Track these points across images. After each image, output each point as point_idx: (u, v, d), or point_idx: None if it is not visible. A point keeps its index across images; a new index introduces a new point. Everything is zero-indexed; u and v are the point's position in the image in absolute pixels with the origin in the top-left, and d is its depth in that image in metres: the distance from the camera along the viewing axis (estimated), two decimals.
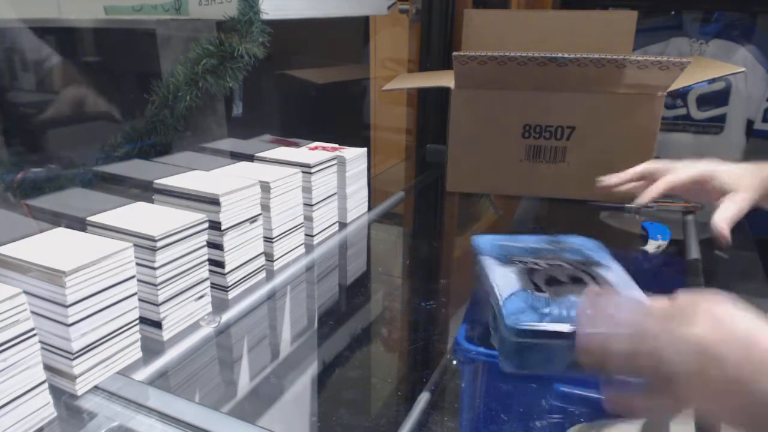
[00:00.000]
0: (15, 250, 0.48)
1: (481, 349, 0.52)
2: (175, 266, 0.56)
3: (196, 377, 0.55)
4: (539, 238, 0.62)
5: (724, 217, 0.60)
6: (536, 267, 0.55)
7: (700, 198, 0.66)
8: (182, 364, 0.55)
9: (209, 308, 0.63)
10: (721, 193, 0.63)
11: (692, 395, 0.36)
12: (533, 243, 0.61)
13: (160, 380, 0.52)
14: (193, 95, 0.77)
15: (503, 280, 0.53)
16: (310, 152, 0.83)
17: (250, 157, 0.81)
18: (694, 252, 0.79)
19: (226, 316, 0.62)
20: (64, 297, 0.45)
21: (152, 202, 0.65)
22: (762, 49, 1.36)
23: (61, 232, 0.53)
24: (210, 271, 0.62)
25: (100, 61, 0.83)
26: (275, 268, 0.73)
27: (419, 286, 0.79)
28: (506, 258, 0.57)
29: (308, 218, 0.79)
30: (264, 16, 0.79)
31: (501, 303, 0.49)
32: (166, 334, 0.57)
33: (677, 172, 0.66)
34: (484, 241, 0.61)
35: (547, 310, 0.48)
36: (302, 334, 0.65)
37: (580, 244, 0.61)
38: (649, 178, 0.68)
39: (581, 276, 0.53)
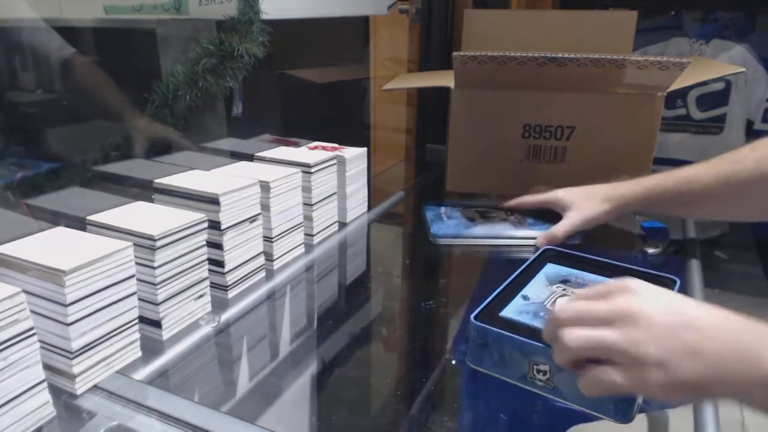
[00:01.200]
0: (14, 249, 0.48)
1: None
2: (174, 265, 0.56)
3: (195, 376, 0.55)
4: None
5: (547, 233, 0.78)
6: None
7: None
8: (182, 363, 0.55)
9: (209, 307, 0.63)
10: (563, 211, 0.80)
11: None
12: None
13: (159, 379, 0.52)
14: (193, 95, 0.77)
15: None
16: (309, 152, 0.83)
17: (250, 157, 0.81)
18: (693, 252, 0.79)
19: (226, 316, 0.62)
20: (64, 296, 0.45)
21: (152, 202, 0.65)
22: (761, 49, 1.36)
23: (60, 231, 0.53)
24: (210, 270, 0.62)
25: (100, 60, 0.83)
26: (275, 267, 0.73)
27: (419, 286, 0.79)
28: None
29: (308, 218, 0.79)
30: (264, 16, 0.79)
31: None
32: (166, 334, 0.57)
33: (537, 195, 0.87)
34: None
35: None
36: (302, 334, 0.65)
37: None
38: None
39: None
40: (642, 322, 0.38)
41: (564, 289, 0.57)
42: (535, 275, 0.60)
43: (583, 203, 0.78)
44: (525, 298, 0.54)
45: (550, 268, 0.62)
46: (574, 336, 0.40)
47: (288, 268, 0.74)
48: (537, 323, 0.49)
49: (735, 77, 1.34)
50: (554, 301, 0.54)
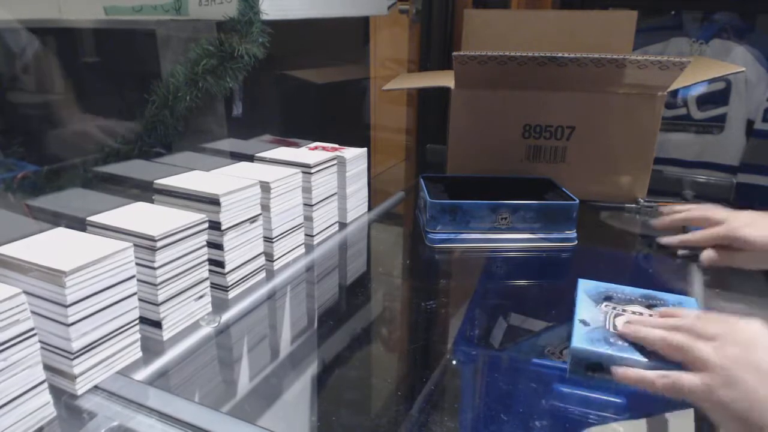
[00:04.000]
0: (15, 250, 0.48)
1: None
2: (175, 266, 0.56)
3: (196, 377, 0.55)
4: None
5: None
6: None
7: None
8: (182, 363, 0.55)
9: (209, 308, 0.63)
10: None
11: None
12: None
13: (160, 380, 0.52)
14: (193, 95, 0.77)
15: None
16: (310, 152, 0.83)
17: (250, 158, 0.81)
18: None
19: (226, 316, 0.63)
20: (64, 297, 0.45)
21: (152, 202, 0.65)
22: (762, 48, 1.35)
23: (61, 232, 0.53)
24: (210, 271, 0.62)
25: (100, 61, 0.83)
26: (275, 268, 0.73)
27: (419, 287, 0.79)
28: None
29: (308, 218, 0.79)
30: (264, 17, 0.79)
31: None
32: (166, 334, 0.57)
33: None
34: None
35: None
36: (302, 334, 0.65)
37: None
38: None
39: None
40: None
41: (614, 308, 0.57)
42: (576, 295, 0.60)
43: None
44: (584, 323, 0.54)
45: (585, 285, 0.62)
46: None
47: (288, 268, 0.74)
48: (614, 351, 0.50)
49: (735, 77, 1.34)
50: (614, 324, 0.54)
